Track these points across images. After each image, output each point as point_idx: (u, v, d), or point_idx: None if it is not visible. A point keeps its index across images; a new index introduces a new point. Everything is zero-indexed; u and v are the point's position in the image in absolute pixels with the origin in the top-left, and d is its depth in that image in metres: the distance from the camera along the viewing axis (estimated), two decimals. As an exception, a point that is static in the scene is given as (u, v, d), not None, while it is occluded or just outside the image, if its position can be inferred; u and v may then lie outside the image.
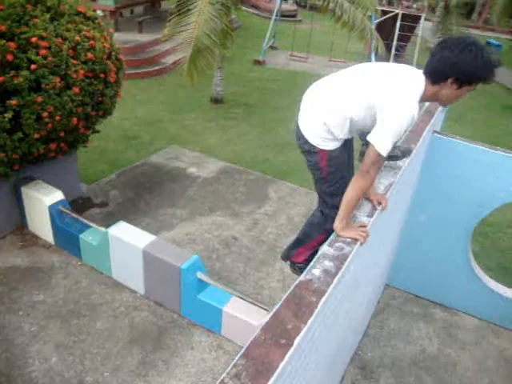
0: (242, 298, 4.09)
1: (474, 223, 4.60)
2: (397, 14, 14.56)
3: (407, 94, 2.18)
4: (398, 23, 14.32)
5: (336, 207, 2.38)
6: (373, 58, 13.91)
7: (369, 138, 2.21)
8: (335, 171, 2.51)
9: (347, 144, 2.54)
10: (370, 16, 12.33)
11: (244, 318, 3.99)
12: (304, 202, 6.54)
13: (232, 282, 4.89)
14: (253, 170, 7.32)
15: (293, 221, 6.06)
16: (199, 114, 9.48)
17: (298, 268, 3.00)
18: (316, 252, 2.71)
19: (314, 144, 2.45)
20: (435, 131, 4.22)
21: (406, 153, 2.94)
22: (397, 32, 14.28)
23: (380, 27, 14.47)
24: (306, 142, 2.47)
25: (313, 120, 2.43)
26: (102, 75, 5.01)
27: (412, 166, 3.20)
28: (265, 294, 4.77)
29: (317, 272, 1.90)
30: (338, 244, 2.10)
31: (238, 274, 5.04)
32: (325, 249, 2.07)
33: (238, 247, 5.46)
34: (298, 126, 2.52)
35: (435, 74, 2.19)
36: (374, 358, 4.38)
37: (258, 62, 13.69)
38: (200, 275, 4.17)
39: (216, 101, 10.13)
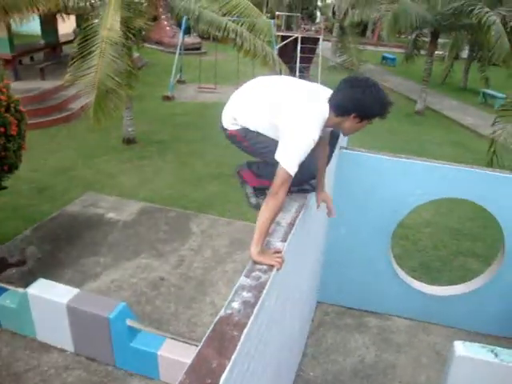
0: (175, 339, 4.02)
1: (391, 229, 4.82)
2: (297, 38, 15.18)
3: (309, 118, 2.35)
4: (299, 46, 14.93)
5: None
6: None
7: (276, 157, 2.32)
8: (256, 137, 2.64)
9: None
10: (270, 41, 12.77)
11: (180, 359, 3.91)
12: (227, 232, 6.57)
13: (164, 323, 4.78)
14: (173, 207, 7.26)
15: (218, 253, 6.06)
16: (113, 156, 9.31)
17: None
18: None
19: (227, 128, 2.71)
20: (342, 147, 4.41)
21: (315, 187, 3.08)
22: (298, 55, 14.87)
23: (282, 51, 15.03)
24: (223, 128, 2.75)
25: (228, 114, 2.70)
26: (1, 129, 4.82)
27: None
28: (199, 331, 4.70)
29: (236, 305, 1.91)
30: (254, 274, 2.12)
31: (169, 314, 4.94)
32: (242, 280, 2.08)
33: (167, 287, 5.37)
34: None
35: (340, 109, 2.39)
36: (317, 376, 4.41)
37: (167, 98, 13.71)
38: (130, 322, 4.06)
39: (128, 141, 10.01)
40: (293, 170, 2.27)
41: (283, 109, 2.41)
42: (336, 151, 4.07)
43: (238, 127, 2.66)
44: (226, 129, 2.72)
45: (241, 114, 2.62)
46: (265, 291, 2.02)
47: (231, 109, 2.69)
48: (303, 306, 4.05)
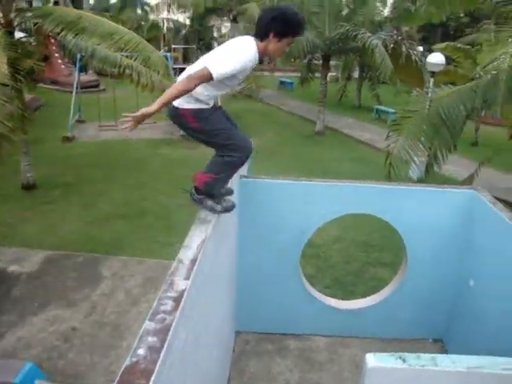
0: (92, 392, 3.81)
1: (299, 250, 4.90)
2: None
3: (243, 43, 2.81)
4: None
5: (224, 146, 2.94)
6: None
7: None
8: (207, 124, 2.91)
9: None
10: (168, 74, 12.76)
11: (99, 412, 3.71)
12: (139, 271, 6.39)
13: (80, 377, 4.53)
14: (81, 252, 6.95)
15: (132, 294, 5.86)
16: (12, 205, 8.77)
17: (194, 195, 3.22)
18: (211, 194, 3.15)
19: (178, 106, 2.86)
20: (242, 175, 4.46)
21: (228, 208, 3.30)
22: (198, 86, 14.94)
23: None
24: (173, 108, 2.89)
25: None
26: None
27: (225, 215, 3.33)
28: (118, 379, 4.50)
29: (142, 351, 1.85)
30: (159, 316, 2.08)
31: (85, 366, 4.68)
32: (146, 324, 2.03)
33: (80, 337, 5.09)
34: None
35: (260, 33, 2.80)
36: (243, 408, 4.37)
37: (67, 139, 13.24)
38: (39, 383, 3.79)
39: (28, 187, 9.50)
40: (215, 72, 2.61)
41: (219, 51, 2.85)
42: (237, 180, 4.14)
43: (190, 105, 2.85)
44: (176, 108, 2.87)
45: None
46: (170, 333, 1.97)
47: None
48: (221, 338, 4.00)
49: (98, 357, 4.81)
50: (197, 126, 2.92)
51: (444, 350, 5.22)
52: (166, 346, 1.90)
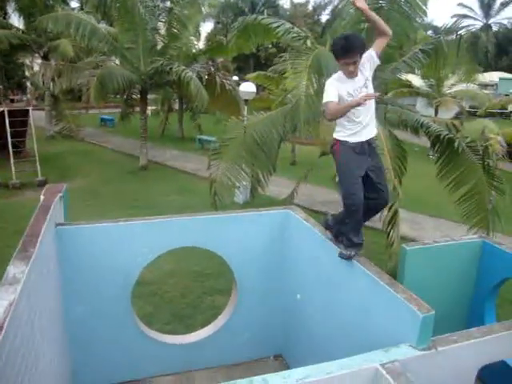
0: None
1: (128, 293, 4.75)
2: (3, 112, 14.01)
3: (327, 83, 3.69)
4: (7, 121, 13.79)
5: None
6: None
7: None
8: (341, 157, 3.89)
9: None
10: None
11: None
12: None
13: None
14: None
15: None
16: None
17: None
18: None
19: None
20: (58, 224, 4.19)
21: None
22: (8, 130, 13.73)
23: (-10, 128, 13.75)
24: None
25: None
26: None
27: (36, 268, 3.08)
28: None
29: None
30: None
31: None
32: None
33: None
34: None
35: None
36: None
37: None
38: None
39: None
40: (325, 99, 3.56)
41: None
42: (52, 229, 3.88)
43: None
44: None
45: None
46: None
47: None
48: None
49: None
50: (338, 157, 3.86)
51: (284, 365, 5.44)
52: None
